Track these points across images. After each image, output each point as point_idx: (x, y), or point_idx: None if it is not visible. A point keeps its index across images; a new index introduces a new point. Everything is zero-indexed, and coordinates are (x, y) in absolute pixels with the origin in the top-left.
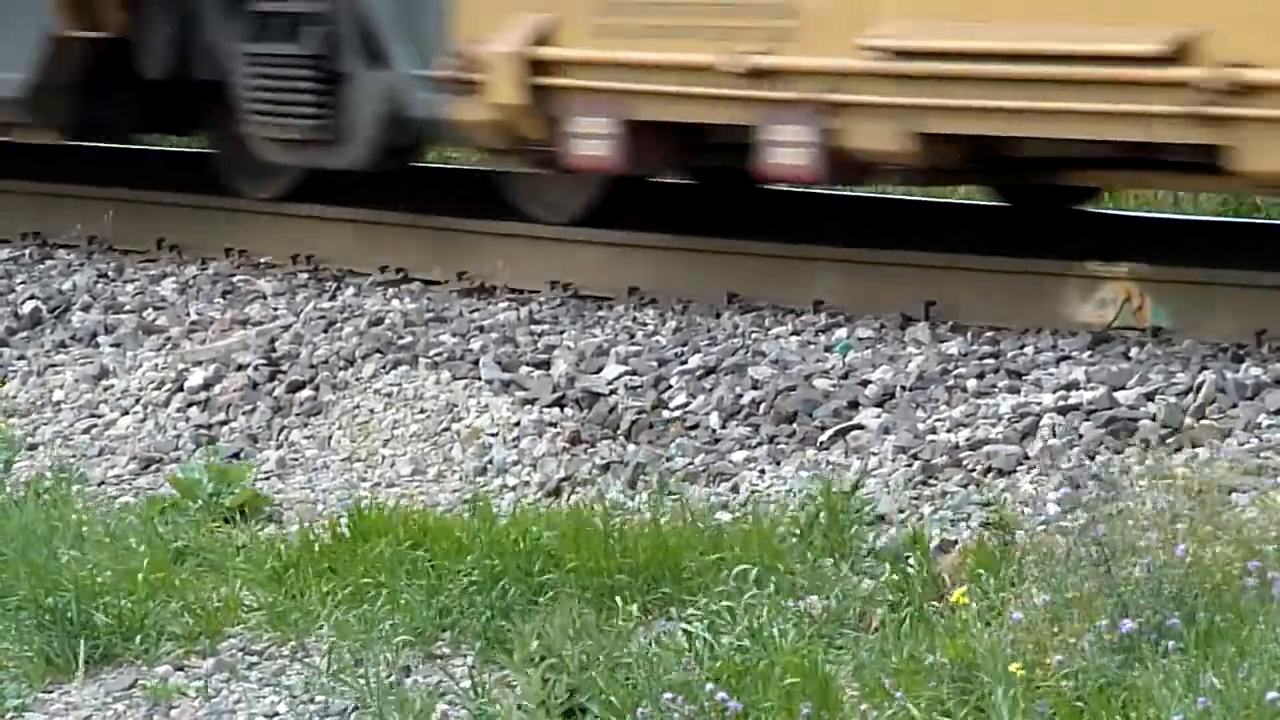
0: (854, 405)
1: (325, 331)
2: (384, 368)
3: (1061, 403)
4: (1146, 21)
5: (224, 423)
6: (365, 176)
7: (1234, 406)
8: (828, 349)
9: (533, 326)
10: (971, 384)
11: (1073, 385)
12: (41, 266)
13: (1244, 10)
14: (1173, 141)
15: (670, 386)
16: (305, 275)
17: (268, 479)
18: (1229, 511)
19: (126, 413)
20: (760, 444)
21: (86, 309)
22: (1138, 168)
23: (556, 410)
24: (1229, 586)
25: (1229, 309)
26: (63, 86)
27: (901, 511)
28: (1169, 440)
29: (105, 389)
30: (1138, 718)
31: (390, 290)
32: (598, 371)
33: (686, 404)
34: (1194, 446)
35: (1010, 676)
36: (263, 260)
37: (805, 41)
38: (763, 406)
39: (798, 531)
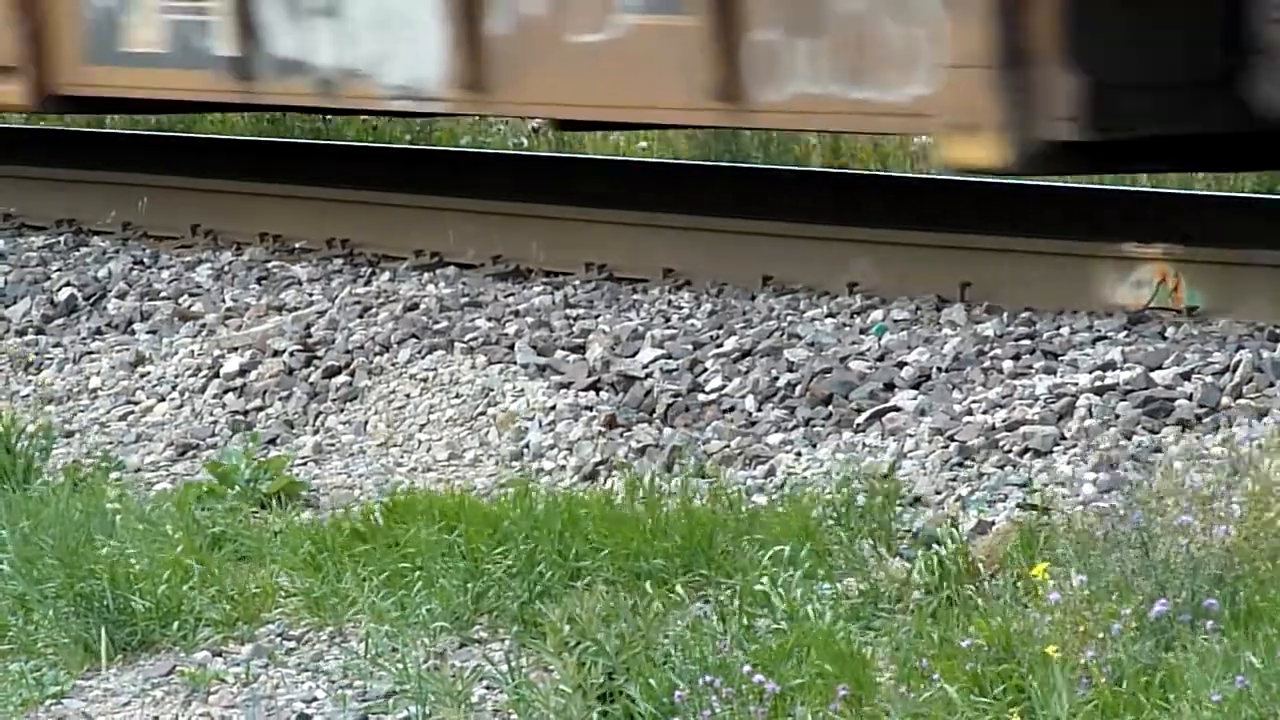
0: (890, 387)
1: (360, 317)
2: (419, 353)
3: (1098, 383)
4: None
5: (260, 409)
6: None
7: (1270, 385)
8: (863, 331)
9: (568, 310)
10: (1007, 365)
11: (1109, 365)
12: (77, 254)
13: None
14: None
15: (706, 369)
16: (340, 260)
17: (304, 465)
18: (1269, 491)
19: (163, 399)
20: (796, 426)
21: (122, 296)
22: None
23: (592, 394)
24: (1268, 566)
25: (1265, 288)
26: None
27: (938, 493)
28: (1206, 420)
29: (141, 376)
30: (1176, 698)
31: (425, 275)
32: (633, 355)
33: (722, 387)
34: (1231, 426)
35: (1047, 658)
36: (298, 245)
37: None
38: (798, 389)
39: (834, 514)
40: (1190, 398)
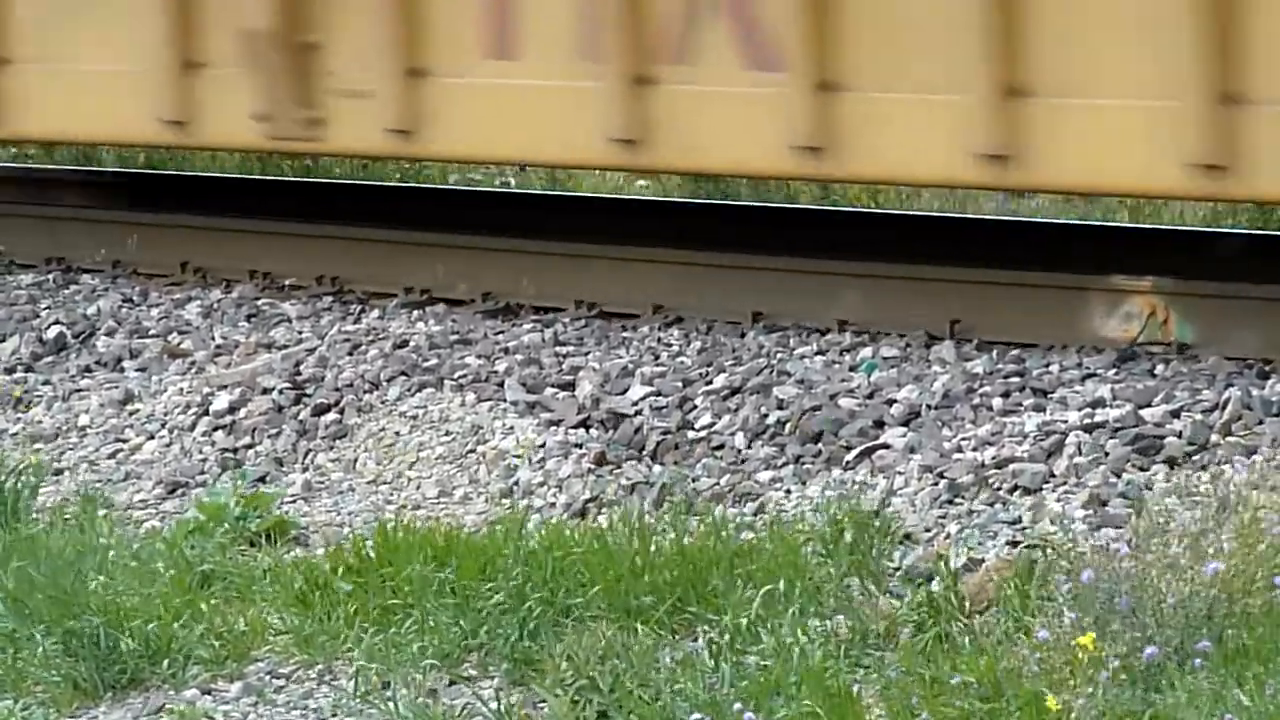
0: (879, 424)
1: (350, 354)
2: (409, 390)
3: (1087, 420)
4: None
5: (249, 446)
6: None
7: (1260, 423)
8: (852, 368)
9: (557, 348)
10: (997, 402)
11: (1098, 403)
12: (66, 291)
13: None
14: None
15: (695, 407)
16: (330, 298)
17: (294, 502)
18: (1257, 529)
19: (152, 437)
20: (786, 464)
21: (111, 334)
22: None
23: (582, 431)
24: (1257, 604)
25: (1255, 324)
26: None
27: (928, 530)
28: (1195, 457)
29: (130, 414)
30: None
31: (415, 312)
32: (623, 392)
33: (712, 424)
34: (1220, 464)
35: (1037, 696)
36: (287, 283)
37: None
38: (788, 426)
39: (824, 551)
40: (1179, 435)
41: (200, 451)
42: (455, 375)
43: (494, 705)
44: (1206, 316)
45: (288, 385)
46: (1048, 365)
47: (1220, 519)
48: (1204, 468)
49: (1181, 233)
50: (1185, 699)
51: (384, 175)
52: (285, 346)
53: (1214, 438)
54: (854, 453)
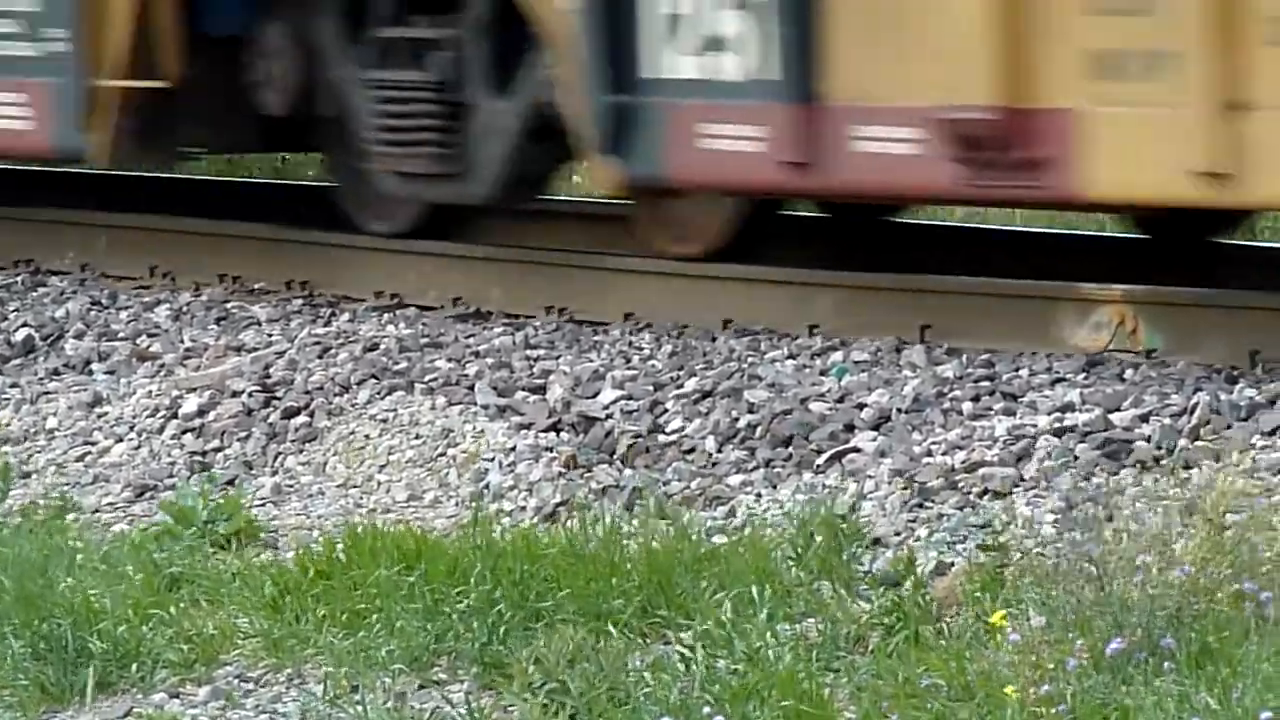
0: (850, 428)
1: (320, 357)
2: (379, 394)
3: (1057, 425)
4: None
5: (218, 449)
6: None
7: (1228, 428)
8: (823, 372)
9: (528, 351)
10: (967, 406)
11: (1068, 407)
12: (34, 294)
13: None
14: None
15: (666, 410)
16: (300, 301)
17: (263, 505)
18: (1224, 533)
19: (121, 440)
20: (757, 468)
21: (80, 336)
22: None
23: (552, 435)
24: (1223, 607)
25: (1223, 331)
26: None
27: (898, 534)
28: (1164, 462)
29: (99, 416)
30: None
31: (385, 315)
32: (594, 396)
33: (682, 428)
34: (1189, 468)
35: (1006, 699)
36: (257, 286)
37: None
38: (759, 430)
39: (794, 555)
40: (1148, 439)
41: (169, 454)
42: (425, 379)
43: (463, 709)
44: (1175, 324)
45: (257, 388)
46: (1017, 370)
47: (1188, 522)
48: (1172, 472)
49: (1150, 241)
50: (1152, 701)
51: None
52: (255, 349)
53: (1182, 442)
54: (824, 456)
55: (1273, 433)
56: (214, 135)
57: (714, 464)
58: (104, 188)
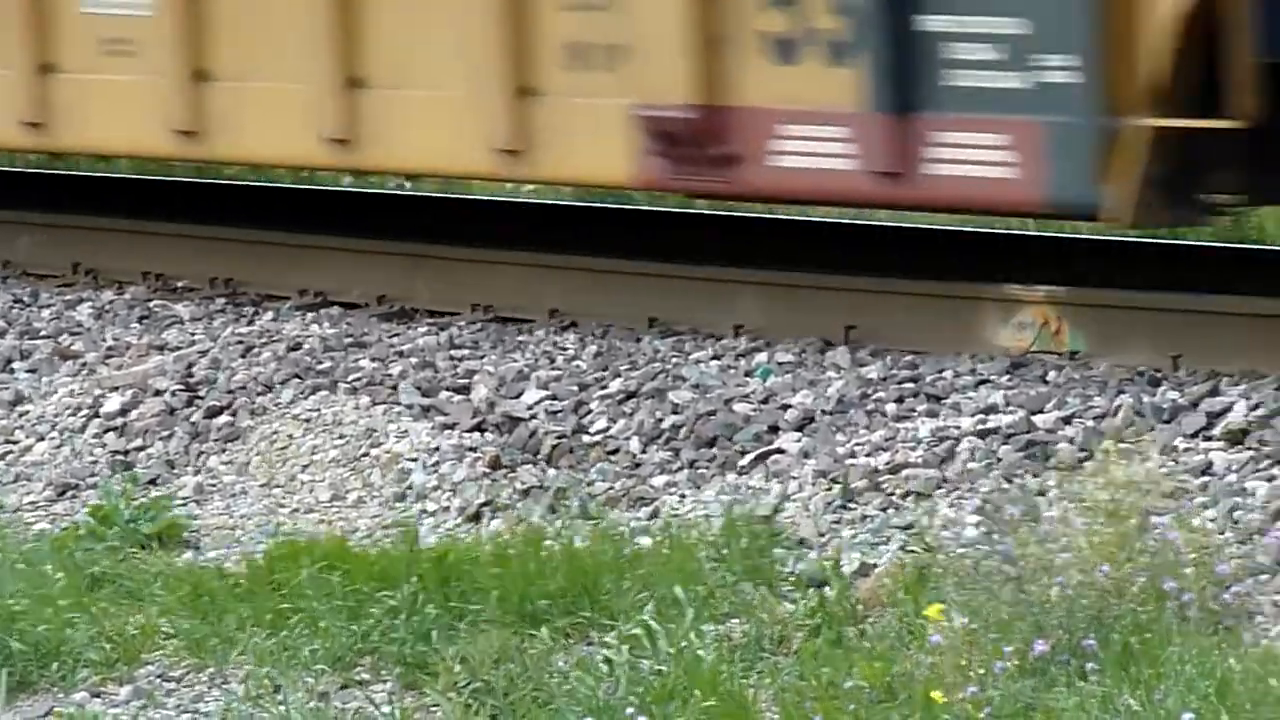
0: (774, 429)
1: (243, 356)
2: (303, 393)
3: (980, 426)
4: None
5: (141, 449)
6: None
7: (1151, 430)
8: (748, 373)
9: (453, 351)
10: (891, 408)
11: (991, 409)
12: None
13: None
14: None
15: (591, 411)
16: (223, 299)
17: (185, 505)
18: (1145, 534)
19: (42, 439)
20: (681, 468)
21: (1, 334)
22: None
23: (476, 435)
24: (1145, 608)
25: (1146, 333)
26: None
27: (821, 535)
28: (1086, 464)
29: (21, 415)
30: None
31: (309, 314)
32: (518, 396)
33: (607, 428)
34: (1111, 469)
35: (929, 700)
36: (180, 284)
37: None
38: (683, 431)
39: (718, 556)
40: (1071, 441)
41: (91, 453)
42: (349, 378)
43: (386, 709)
44: (1099, 325)
45: (180, 387)
46: (941, 371)
47: (1110, 524)
48: (1095, 474)
49: (1076, 241)
50: (1075, 703)
51: (276, 176)
52: (178, 348)
53: (1105, 444)
54: (749, 457)
55: (1195, 435)
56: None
57: (638, 465)
58: (24, 185)
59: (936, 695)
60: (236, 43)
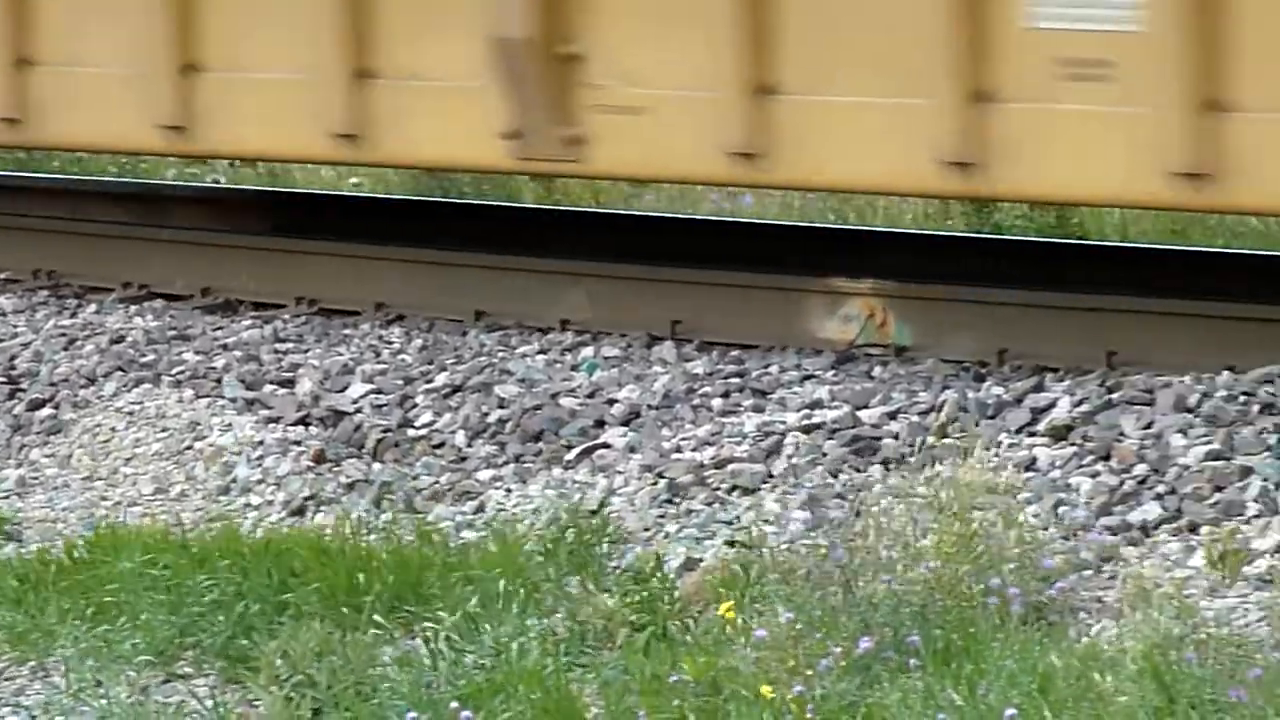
0: (600, 424)
1: (66, 349)
2: (126, 386)
3: (806, 421)
4: None
5: None
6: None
7: (976, 425)
8: (574, 368)
9: (277, 344)
10: (717, 403)
11: (817, 404)
12: None
13: None
14: None
15: (416, 405)
16: (45, 292)
17: (7, 498)
18: (969, 530)
19: None
20: (506, 463)
21: None
22: None
23: (301, 429)
24: (970, 605)
25: (971, 327)
26: None
27: (647, 530)
28: (911, 459)
29: None
30: None
31: (132, 307)
32: (343, 390)
33: (432, 422)
34: (936, 465)
35: (754, 695)
36: (1, 276)
37: None
38: (509, 425)
39: (543, 550)
40: (896, 437)
41: None
42: (173, 371)
43: (209, 702)
44: (924, 320)
45: (2, 380)
46: (767, 366)
47: (934, 519)
48: (919, 469)
49: (901, 235)
50: (898, 699)
51: (99, 169)
52: None
53: (930, 439)
54: (574, 452)
55: (1019, 430)
56: None
57: (463, 459)
58: None
59: (764, 690)
60: None
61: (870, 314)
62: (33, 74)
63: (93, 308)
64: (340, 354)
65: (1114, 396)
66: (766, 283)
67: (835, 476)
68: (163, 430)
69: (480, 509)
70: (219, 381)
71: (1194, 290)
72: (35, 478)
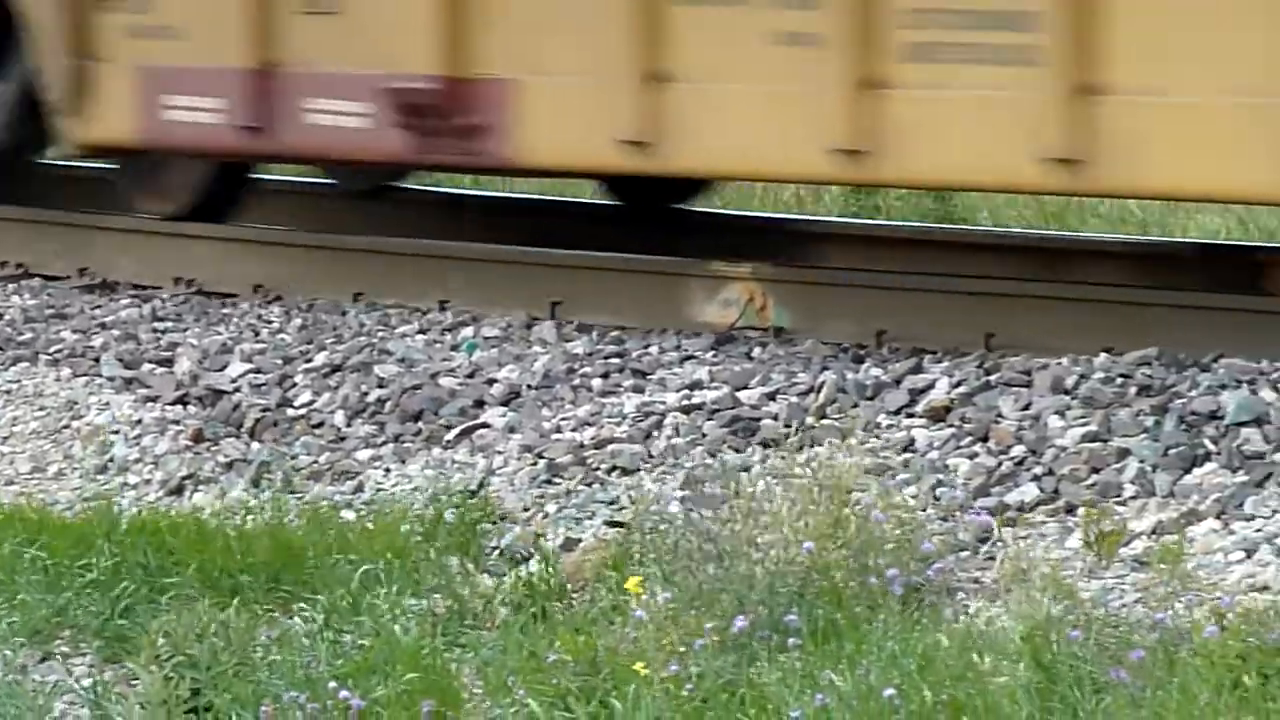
0: (480, 404)
1: None
2: (3, 364)
3: (685, 402)
4: None
5: None
6: None
7: (854, 406)
8: (454, 348)
9: (155, 324)
10: (597, 383)
11: (696, 385)
12: None
13: None
14: None
15: (295, 384)
16: None
17: None
18: (847, 510)
19: None
20: (386, 442)
21: None
22: None
23: (179, 408)
24: (849, 585)
25: (850, 310)
26: None
27: (526, 510)
28: (791, 440)
29: None
30: (757, 714)
31: (10, 286)
32: (222, 369)
33: (312, 402)
34: (815, 446)
35: (632, 673)
36: None
37: None
38: (388, 405)
39: (423, 530)
40: (776, 417)
41: None
42: (50, 350)
43: (87, 682)
44: (803, 302)
45: None
46: (647, 347)
47: (813, 500)
48: (798, 450)
49: (780, 219)
50: (777, 678)
51: None
52: None
53: (809, 420)
54: (454, 432)
55: (897, 412)
56: None
57: (343, 438)
58: None
59: (640, 669)
60: None
61: (750, 298)
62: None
63: None
64: (219, 333)
65: (992, 378)
66: (645, 266)
67: (714, 457)
68: (40, 409)
69: (359, 489)
70: (97, 360)
71: (1072, 274)
72: None
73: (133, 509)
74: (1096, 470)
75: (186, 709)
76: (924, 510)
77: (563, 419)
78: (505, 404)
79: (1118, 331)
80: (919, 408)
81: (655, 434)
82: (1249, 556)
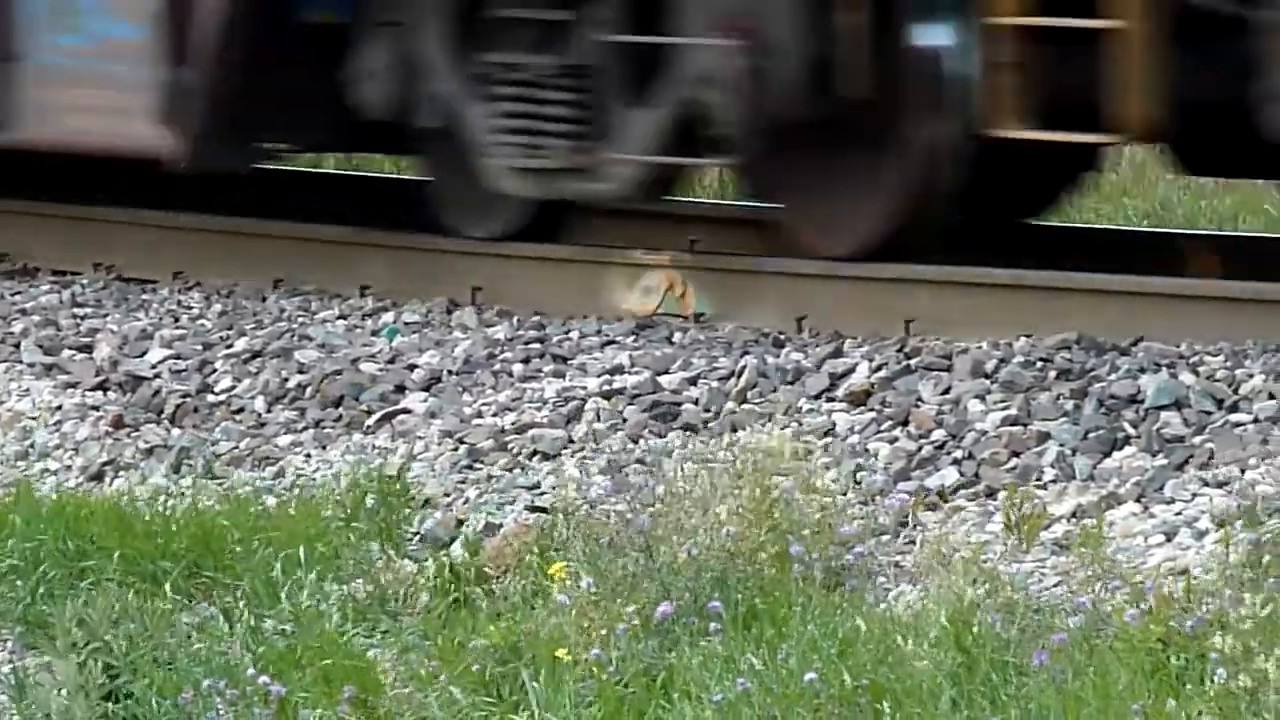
0: (400, 389)
1: None
2: None
3: (606, 387)
4: None
5: None
6: None
7: (775, 391)
8: (374, 333)
9: (75, 310)
10: (517, 368)
11: (617, 370)
12: None
13: None
14: None
15: (215, 370)
16: None
17: None
18: (769, 495)
19: None
20: (306, 428)
21: None
22: None
23: (99, 394)
24: (769, 569)
25: (770, 296)
26: None
27: (447, 495)
28: (711, 425)
29: None
30: (678, 699)
31: None
32: (141, 355)
33: (232, 388)
34: (735, 431)
35: (553, 659)
36: None
37: None
38: (309, 390)
39: (343, 516)
40: (696, 402)
41: None
42: None
43: (6, 669)
44: (724, 289)
45: None
46: (568, 332)
47: (734, 485)
48: (719, 434)
49: (700, 205)
50: (698, 663)
51: None
52: None
53: (729, 405)
54: (375, 417)
55: (818, 396)
56: None
57: (263, 424)
58: None
59: (561, 654)
60: None
61: (670, 286)
62: None
63: None
64: (139, 319)
65: (912, 362)
66: (567, 254)
67: (636, 442)
68: None
69: (280, 474)
70: (17, 347)
71: (992, 258)
72: None
73: (53, 495)
74: (1017, 454)
75: (103, 694)
76: (844, 494)
77: (484, 404)
78: (426, 389)
79: (1037, 316)
80: (839, 392)
81: (576, 419)
82: (1169, 540)
